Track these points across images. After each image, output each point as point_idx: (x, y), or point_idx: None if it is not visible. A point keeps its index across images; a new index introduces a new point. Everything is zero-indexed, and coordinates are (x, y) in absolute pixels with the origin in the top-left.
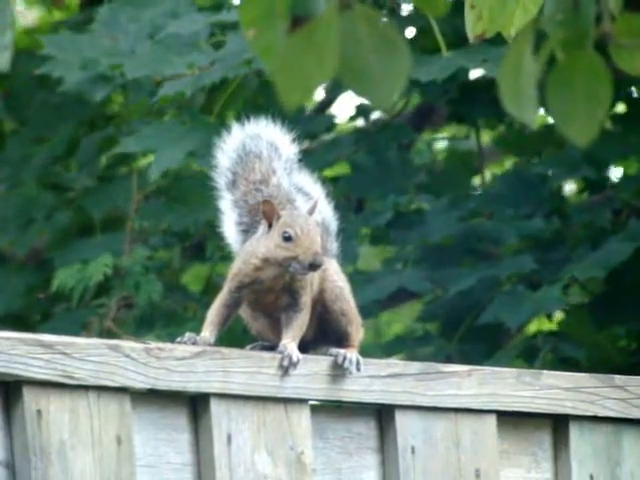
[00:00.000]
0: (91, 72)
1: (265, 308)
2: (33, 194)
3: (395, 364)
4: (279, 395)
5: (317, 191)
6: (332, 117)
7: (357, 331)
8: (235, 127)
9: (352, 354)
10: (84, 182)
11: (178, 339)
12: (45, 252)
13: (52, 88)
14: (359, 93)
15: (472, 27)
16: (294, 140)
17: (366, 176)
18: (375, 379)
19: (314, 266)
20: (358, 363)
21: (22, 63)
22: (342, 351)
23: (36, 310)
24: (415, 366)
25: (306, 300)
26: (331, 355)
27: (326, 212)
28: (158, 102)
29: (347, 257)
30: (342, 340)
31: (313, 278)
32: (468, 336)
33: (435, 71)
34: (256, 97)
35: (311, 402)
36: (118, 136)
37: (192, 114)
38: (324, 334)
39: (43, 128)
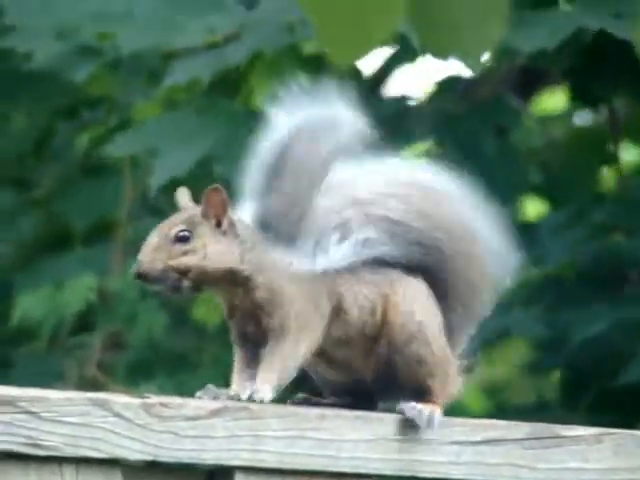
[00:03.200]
0: (70, 43)
1: (259, 340)
2: None
3: (494, 425)
4: (330, 469)
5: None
6: (404, 99)
7: (443, 385)
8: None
9: (428, 408)
10: (57, 177)
11: (198, 393)
12: (3, 272)
13: (16, 63)
14: (435, 49)
15: None
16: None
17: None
18: (465, 446)
19: (137, 277)
20: (431, 419)
21: None
22: (414, 404)
23: None
24: (522, 428)
25: (283, 324)
26: (400, 412)
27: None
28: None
29: None
30: (420, 395)
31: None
32: (600, 402)
33: (546, 34)
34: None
35: (375, 478)
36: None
37: (209, 99)
38: (393, 383)
39: (1, 103)
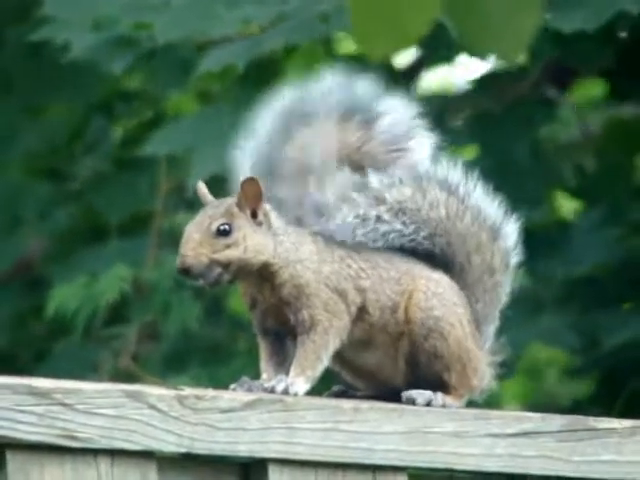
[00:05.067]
0: (107, 34)
1: (281, 331)
2: (20, 183)
3: (528, 418)
4: (365, 461)
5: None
6: (440, 96)
7: (462, 379)
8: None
9: (432, 394)
10: (92, 169)
11: (232, 386)
12: (39, 264)
13: (52, 55)
14: (472, 42)
15: None
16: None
17: (484, 177)
18: (499, 439)
19: (181, 272)
20: (432, 399)
21: None
22: (421, 390)
23: (27, 346)
24: (556, 421)
25: (313, 316)
26: (407, 399)
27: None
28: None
29: None
30: (439, 388)
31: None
32: (635, 405)
33: (585, 17)
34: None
35: (410, 470)
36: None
37: (246, 92)
38: (418, 378)
39: (36, 96)
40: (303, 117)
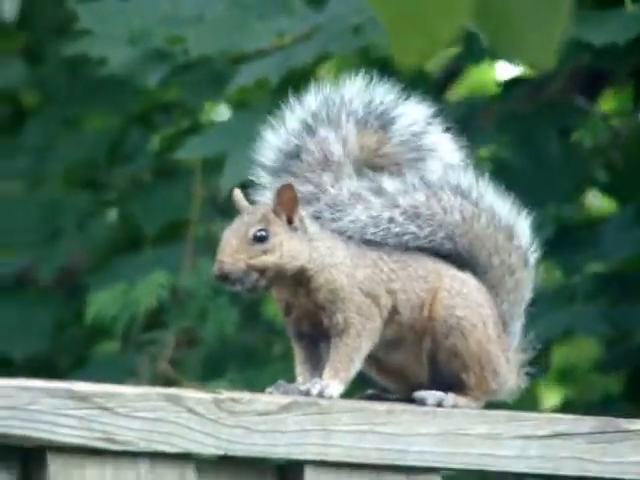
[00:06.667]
0: (143, 48)
1: (315, 335)
2: (60, 194)
3: (559, 420)
4: (399, 462)
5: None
6: (471, 100)
7: (480, 380)
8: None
9: (444, 394)
10: (129, 179)
11: (268, 389)
12: (80, 273)
13: (90, 69)
14: (502, 49)
15: None
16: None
17: (517, 177)
18: (532, 440)
19: (218, 279)
20: (443, 400)
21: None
22: (431, 392)
23: (67, 352)
24: (588, 422)
25: (348, 319)
26: (419, 400)
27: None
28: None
29: None
30: (456, 390)
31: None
32: None
33: (615, 30)
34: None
35: (443, 472)
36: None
37: (278, 98)
38: (439, 378)
39: (75, 108)
40: (325, 121)
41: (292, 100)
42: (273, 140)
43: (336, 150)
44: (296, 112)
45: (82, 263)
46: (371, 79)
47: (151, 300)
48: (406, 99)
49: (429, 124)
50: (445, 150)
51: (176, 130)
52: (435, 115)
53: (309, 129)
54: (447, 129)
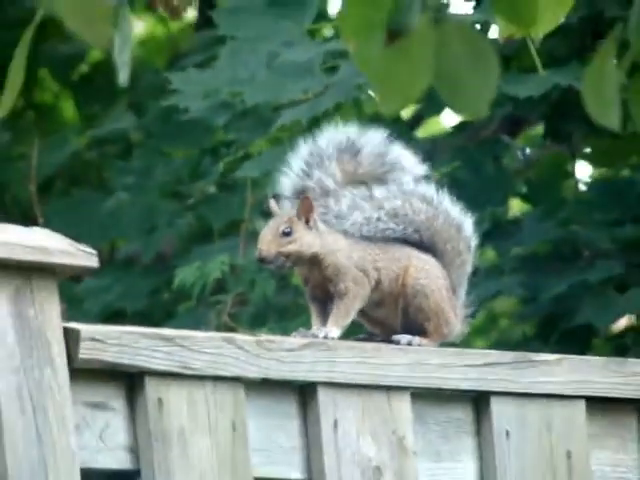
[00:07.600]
0: (213, 100)
1: (324, 298)
2: (156, 202)
3: (490, 354)
4: (382, 383)
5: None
6: (432, 138)
7: (437, 327)
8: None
9: (412, 337)
10: (203, 191)
11: (293, 334)
12: (169, 256)
13: (177, 116)
14: (453, 103)
15: (502, 30)
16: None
17: (464, 189)
18: (472, 368)
19: (258, 261)
20: (412, 341)
21: (140, 72)
22: (405, 335)
23: (160, 309)
24: (509, 355)
25: (347, 287)
26: (394, 340)
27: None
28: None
29: None
30: (420, 334)
31: (381, 268)
32: (563, 338)
33: (532, 88)
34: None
35: (412, 389)
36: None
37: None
38: (409, 326)
39: (167, 142)
40: (315, 165)
41: (292, 151)
42: (287, 181)
43: (329, 183)
44: (297, 161)
45: (171, 249)
46: (342, 124)
47: (217, 273)
48: (366, 132)
49: (387, 145)
50: (407, 162)
51: (234, 158)
52: (391, 138)
53: (306, 174)
54: (405, 147)
